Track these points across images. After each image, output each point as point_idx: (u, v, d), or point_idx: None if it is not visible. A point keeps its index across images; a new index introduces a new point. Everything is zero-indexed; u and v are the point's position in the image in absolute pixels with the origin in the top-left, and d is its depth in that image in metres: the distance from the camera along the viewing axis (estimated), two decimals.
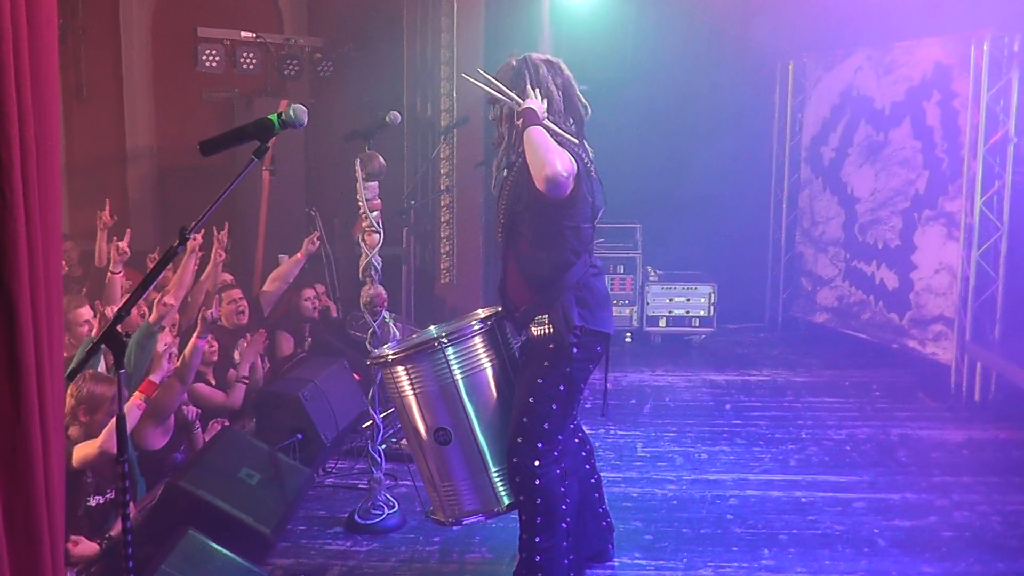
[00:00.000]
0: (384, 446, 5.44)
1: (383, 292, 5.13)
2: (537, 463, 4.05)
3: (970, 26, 7.62)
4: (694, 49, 9.56)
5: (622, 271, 9.57)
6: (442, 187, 9.31)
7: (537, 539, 4.12)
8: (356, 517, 5.21)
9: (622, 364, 8.71)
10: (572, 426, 4.38)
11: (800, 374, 8.47)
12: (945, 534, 5.15)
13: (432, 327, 4.78)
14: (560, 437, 4.15)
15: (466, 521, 4.36)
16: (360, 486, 5.70)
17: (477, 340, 4.20)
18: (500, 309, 4.34)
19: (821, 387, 8.03)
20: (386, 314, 5.24)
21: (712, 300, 9.43)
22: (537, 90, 4.04)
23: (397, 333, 5.53)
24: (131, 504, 3.20)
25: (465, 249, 9.53)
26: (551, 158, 3.81)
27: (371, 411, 5.24)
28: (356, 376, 6.76)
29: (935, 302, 8.17)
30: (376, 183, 5.00)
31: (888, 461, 6.26)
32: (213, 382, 6.32)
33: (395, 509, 5.28)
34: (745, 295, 10.11)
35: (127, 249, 6.20)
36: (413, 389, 4.24)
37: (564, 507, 4.14)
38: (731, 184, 9.71)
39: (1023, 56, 7.40)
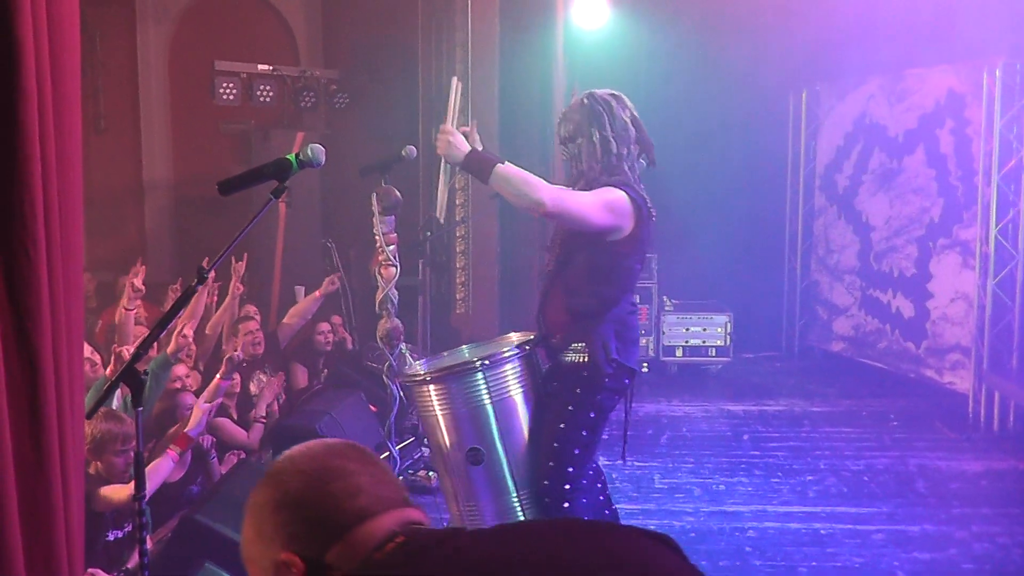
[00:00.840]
0: (401, 478, 5.42)
1: (400, 325, 5.13)
2: (568, 487, 4.03)
3: (982, 54, 7.65)
4: (707, 77, 9.58)
5: (638, 301, 9.54)
6: (458, 218, 9.33)
7: None
8: None
9: (639, 394, 8.53)
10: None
11: (817, 404, 8.43)
12: (966, 566, 5.10)
13: (465, 348, 4.81)
14: (589, 466, 4.17)
15: None
16: None
17: (510, 366, 4.16)
18: (533, 335, 4.31)
19: (839, 417, 8.00)
20: (402, 345, 5.25)
21: (728, 329, 9.41)
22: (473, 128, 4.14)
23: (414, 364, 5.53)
24: (148, 539, 3.21)
25: (481, 280, 9.54)
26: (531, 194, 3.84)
27: (387, 443, 5.23)
28: (373, 408, 6.76)
29: (951, 331, 8.14)
30: (392, 217, 5.01)
31: (907, 492, 6.21)
32: (235, 416, 6.34)
33: None
34: (761, 324, 10.09)
35: (142, 287, 6.22)
36: (442, 409, 4.20)
37: None
38: (745, 212, 9.72)
39: None
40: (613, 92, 4.14)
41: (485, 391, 4.12)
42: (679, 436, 7.53)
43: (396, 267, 5.05)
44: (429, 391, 4.22)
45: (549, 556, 1.37)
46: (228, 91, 9.65)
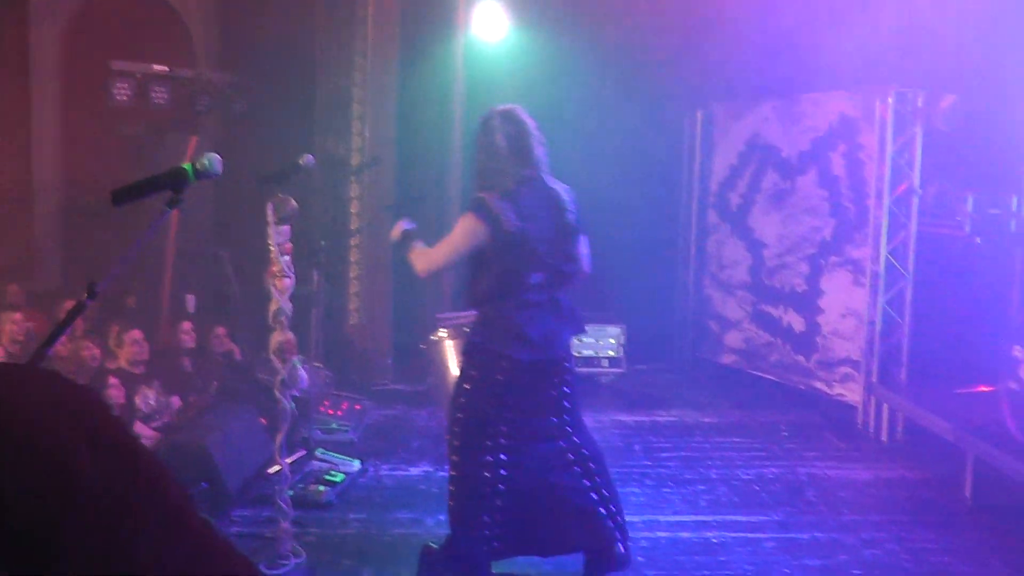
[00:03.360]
0: (292, 492, 5.32)
1: (293, 338, 5.05)
2: (456, 443, 4.79)
3: (876, 81, 7.88)
4: (605, 93, 9.68)
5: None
6: (353, 228, 9.24)
7: (450, 501, 4.78)
8: (262, 567, 5.06)
9: None
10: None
11: (709, 415, 8.54)
12: (855, 572, 5.23)
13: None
14: (483, 436, 4.69)
15: None
16: (266, 535, 5.57)
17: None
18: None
19: (730, 428, 8.13)
20: (295, 359, 5.17)
21: (621, 341, 9.48)
22: None
23: (305, 376, 5.46)
24: None
25: (375, 290, 9.46)
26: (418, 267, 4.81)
27: (278, 457, 5.12)
28: (262, 421, 6.63)
29: (842, 345, 8.36)
30: (288, 227, 4.92)
31: (797, 501, 6.34)
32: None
33: (302, 559, 5.15)
34: (654, 337, 10.20)
35: (19, 293, 5.98)
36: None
37: (478, 487, 4.68)
38: (641, 227, 9.83)
39: (927, 112, 7.67)
40: (506, 108, 4.76)
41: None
42: None
43: (291, 278, 4.97)
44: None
45: None
46: (122, 92, 9.37)
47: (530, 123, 4.74)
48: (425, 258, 4.79)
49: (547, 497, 4.82)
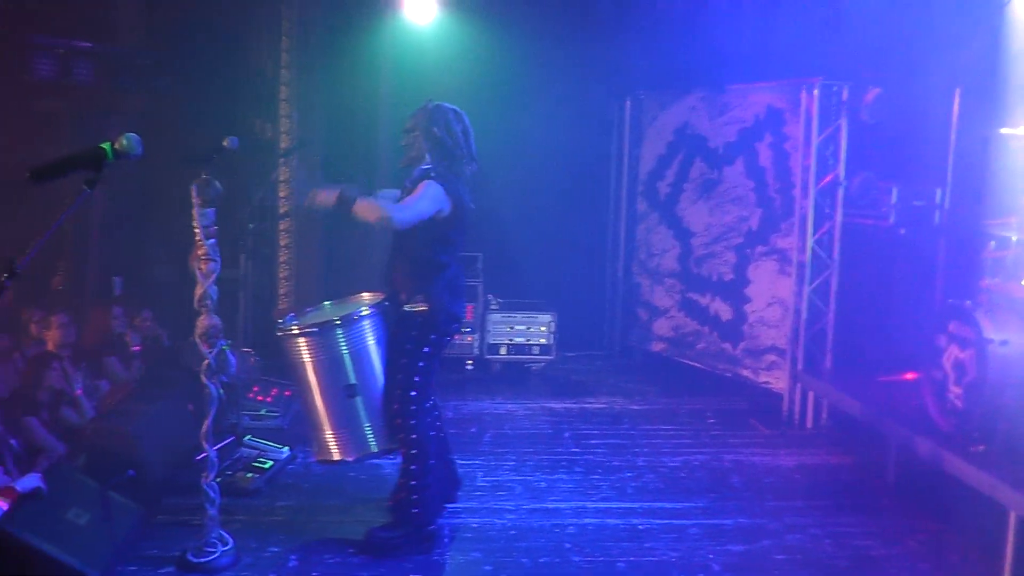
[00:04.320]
0: (219, 479, 5.25)
1: (218, 322, 4.97)
2: (412, 408, 5.19)
3: (802, 73, 7.99)
4: (535, 79, 9.67)
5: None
6: (281, 211, 9.13)
7: (413, 467, 5.22)
8: (188, 556, 5.00)
9: (462, 392, 8.73)
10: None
11: (637, 402, 8.63)
12: (778, 557, 5.32)
13: (326, 303, 5.80)
14: (428, 394, 5.31)
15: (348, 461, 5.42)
16: (193, 522, 5.48)
17: (366, 323, 5.26)
18: (383, 295, 5.46)
19: (657, 415, 8.21)
20: (225, 342, 5.09)
21: (552, 328, 9.51)
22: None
23: (234, 361, 5.39)
24: None
25: (304, 273, 9.37)
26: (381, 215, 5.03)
27: (204, 444, 5.04)
28: (190, 407, 6.52)
29: (768, 333, 8.48)
30: (213, 209, 4.84)
31: (721, 487, 6.43)
32: (46, 416, 6.03)
33: (229, 547, 5.08)
34: (584, 324, 10.27)
35: None
36: (312, 357, 5.25)
37: (431, 447, 5.31)
38: (570, 215, 9.88)
39: (852, 104, 7.81)
40: (455, 108, 5.38)
41: (345, 342, 5.21)
42: (502, 434, 7.58)
43: (216, 262, 4.89)
44: (300, 343, 5.27)
45: None
46: (44, 67, 9.10)
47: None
48: (406, 209, 5.08)
49: (442, 444, 5.65)
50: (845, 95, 7.84)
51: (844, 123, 7.85)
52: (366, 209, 5.01)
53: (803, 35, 8.01)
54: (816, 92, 7.83)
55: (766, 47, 8.38)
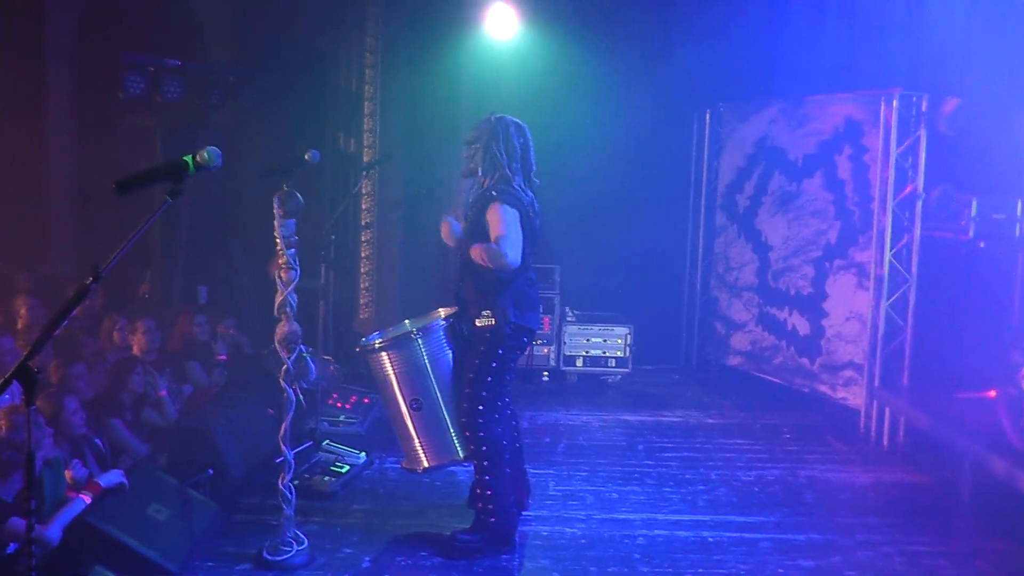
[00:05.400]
0: (296, 482, 5.40)
1: (298, 329, 5.12)
2: (480, 420, 5.29)
3: (881, 84, 7.91)
4: (614, 92, 9.72)
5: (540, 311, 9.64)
6: (363, 223, 9.31)
7: (487, 477, 5.33)
8: (264, 554, 5.16)
9: (538, 403, 8.79)
10: (507, 400, 5.54)
11: (712, 416, 8.59)
12: (848, 573, 5.28)
13: (406, 321, 5.92)
14: (497, 404, 5.36)
15: (435, 468, 5.66)
16: (270, 522, 5.65)
17: (441, 333, 5.47)
18: (455, 310, 5.54)
19: (732, 429, 8.17)
20: (306, 349, 5.25)
21: (628, 341, 9.53)
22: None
23: (314, 368, 5.54)
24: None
25: (384, 285, 9.53)
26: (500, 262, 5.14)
27: (282, 447, 5.20)
28: (270, 411, 6.71)
29: (845, 349, 8.39)
30: (294, 220, 5.00)
31: (794, 503, 6.39)
32: (129, 418, 6.26)
33: (304, 546, 5.24)
34: (661, 337, 10.26)
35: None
36: (393, 370, 5.47)
37: (506, 456, 5.39)
38: (648, 228, 9.88)
39: (931, 115, 7.68)
40: (517, 121, 5.38)
41: (425, 351, 5.43)
42: (575, 445, 7.62)
43: (296, 271, 5.04)
44: (383, 357, 5.49)
45: None
46: (135, 85, 9.43)
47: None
48: (510, 246, 5.11)
49: (516, 454, 5.74)
50: (924, 106, 7.71)
51: (923, 134, 7.73)
52: (485, 256, 5.16)
53: (882, 45, 7.95)
54: (895, 103, 7.74)
55: (845, 57, 8.34)
